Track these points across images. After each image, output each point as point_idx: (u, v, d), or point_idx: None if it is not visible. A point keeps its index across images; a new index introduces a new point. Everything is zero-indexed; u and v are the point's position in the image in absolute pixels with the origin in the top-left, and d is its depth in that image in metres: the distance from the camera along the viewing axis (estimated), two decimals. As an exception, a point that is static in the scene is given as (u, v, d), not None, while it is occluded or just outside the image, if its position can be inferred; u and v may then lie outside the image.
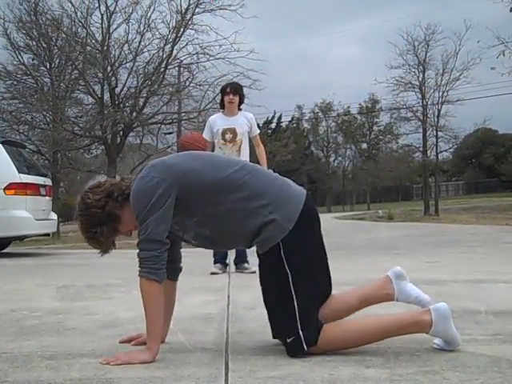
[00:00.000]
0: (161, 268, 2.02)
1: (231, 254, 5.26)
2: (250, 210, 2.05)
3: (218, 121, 5.28)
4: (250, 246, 2.17)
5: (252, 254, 5.05)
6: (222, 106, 5.38)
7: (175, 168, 2.07)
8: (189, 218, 2.09)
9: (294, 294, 2.02)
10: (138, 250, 2.04)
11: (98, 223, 2.10)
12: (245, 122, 5.25)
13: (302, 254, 2.06)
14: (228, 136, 5.18)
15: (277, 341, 2.19)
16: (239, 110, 5.35)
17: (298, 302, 2.02)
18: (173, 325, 2.38)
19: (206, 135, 5.28)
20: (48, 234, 9.57)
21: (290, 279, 2.03)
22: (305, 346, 2.00)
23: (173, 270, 2.25)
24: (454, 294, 3.33)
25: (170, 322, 2.33)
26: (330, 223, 22.62)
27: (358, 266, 5.40)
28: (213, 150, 5.27)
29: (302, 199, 2.12)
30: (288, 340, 2.02)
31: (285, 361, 1.97)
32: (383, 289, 2.25)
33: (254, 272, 4.76)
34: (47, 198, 8.68)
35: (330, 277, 2.19)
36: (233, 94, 5.23)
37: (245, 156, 5.14)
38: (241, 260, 5.12)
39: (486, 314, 2.75)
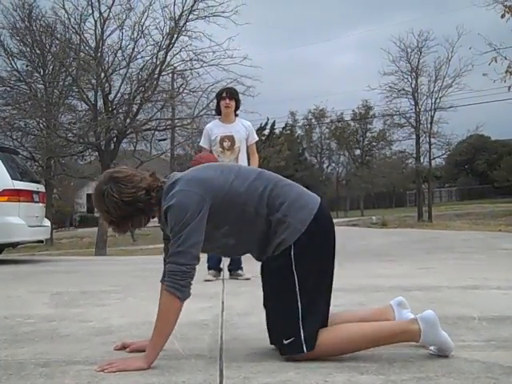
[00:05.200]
0: (187, 285, 2.02)
1: (225, 261, 5.26)
2: (269, 218, 2.08)
3: (215, 128, 5.20)
4: (264, 252, 2.16)
5: (246, 262, 5.05)
6: (219, 112, 5.29)
7: (208, 182, 2.09)
8: (217, 229, 2.11)
9: (298, 295, 2.03)
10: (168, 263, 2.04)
11: (120, 216, 2.11)
12: (243, 129, 5.19)
13: (311, 259, 2.07)
14: (226, 144, 5.11)
15: (272, 347, 2.19)
16: (236, 115, 5.29)
17: (303, 302, 2.03)
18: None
19: (203, 144, 5.24)
20: (41, 241, 9.51)
21: (296, 281, 2.04)
22: (305, 348, 2.01)
23: None
24: (448, 300, 3.35)
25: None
26: (324, 229, 22.63)
27: (351, 273, 5.40)
28: None
29: (316, 205, 2.13)
30: (285, 341, 2.03)
31: (279, 367, 1.97)
32: (384, 314, 2.29)
33: (248, 279, 4.76)
34: (40, 204, 8.65)
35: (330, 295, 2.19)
36: (229, 98, 5.16)
37: (242, 163, 5.08)
38: (235, 267, 5.11)
39: (480, 320, 2.76)
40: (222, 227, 2.11)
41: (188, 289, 2.03)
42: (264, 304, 2.17)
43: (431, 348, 2.10)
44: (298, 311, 2.03)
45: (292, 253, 2.05)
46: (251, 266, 5.23)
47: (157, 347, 2.01)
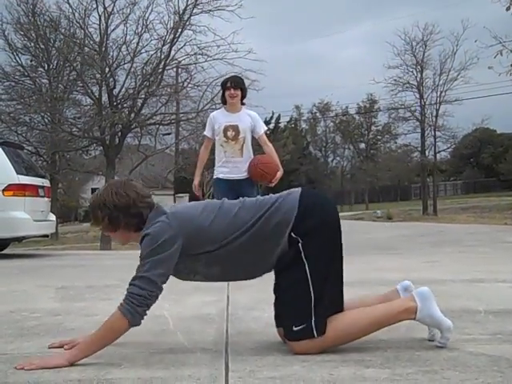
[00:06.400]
0: (141, 313, 2.01)
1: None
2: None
3: (219, 117, 5.09)
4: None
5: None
6: (224, 101, 5.16)
7: (188, 221, 2.12)
8: (196, 261, 2.13)
9: (310, 284, 2.05)
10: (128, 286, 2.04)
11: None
12: (248, 119, 5.04)
13: (319, 248, 2.10)
14: (230, 133, 4.98)
15: (277, 340, 2.19)
16: (242, 104, 5.15)
17: (315, 291, 2.05)
18: (172, 325, 2.39)
19: (207, 132, 5.15)
20: (47, 235, 9.55)
21: (307, 269, 2.06)
22: (315, 333, 2.02)
23: None
24: (454, 294, 3.34)
25: None
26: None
27: (356, 266, 5.40)
28: (214, 148, 5.19)
29: (298, 194, 2.16)
30: (295, 328, 2.04)
31: (285, 361, 1.97)
32: (389, 299, 2.28)
33: None
34: (46, 199, 8.67)
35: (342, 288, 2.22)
36: (234, 88, 5.02)
37: (247, 154, 4.99)
38: None
39: (486, 314, 2.75)
40: (200, 260, 2.12)
41: (141, 317, 2.02)
42: (274, 291, 2.17)
43: (436, 340, 2.10)
44: (310, 299, 2.04)
45: (300, 244, 2.07)
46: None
47: (86, 353, 2.00)
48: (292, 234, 2.08)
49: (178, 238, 2.06)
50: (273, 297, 2.18)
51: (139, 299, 2.00)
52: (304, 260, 2.06)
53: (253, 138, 5.17)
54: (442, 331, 2.08)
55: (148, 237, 2.07)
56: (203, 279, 2.25)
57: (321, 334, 2.03)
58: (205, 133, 5.21)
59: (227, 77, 5.67)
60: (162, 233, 2.06)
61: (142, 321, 2.05)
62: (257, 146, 5.24)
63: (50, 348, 2.24)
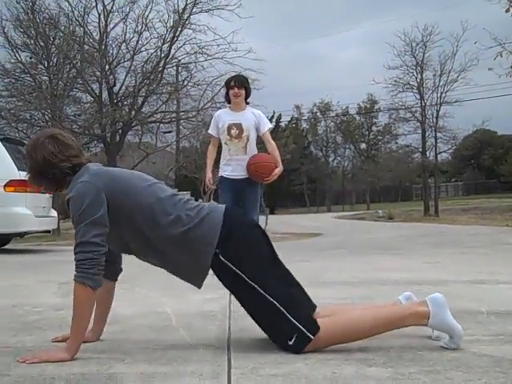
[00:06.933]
0: (97, 273, 1.99)
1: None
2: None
3: (224, 116, 5.12)
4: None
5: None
6: (229, 100, 5.17)
7: (108, 177, 2.10)
8: (123, 232, 2.10)
9: (267, 295, 2.02)
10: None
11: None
12: (252, 117, 5.05)
13: (243, 253, 2.08)
14: (234, 131, 5.00)
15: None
16: (247, 103, 5.16)
17: (278, 300, 2.02)
18: (175, 322, 2.39)
19: (211, 131, 5.17)
20: (48, 231, 9.56)
21: (250, 281, 2.03)
22: (311, 336, 2.01)
23: (113, 269, 2.29)
24: (456, 295, 3.33)
25: (105, 322, 2.33)
26: (330, 222, 22.66)
27: (357, 266, 5.40)
28: (219, 146, 5.21)
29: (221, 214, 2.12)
30: (290, 342, 2.02)
31: (287, 358, 1.97)
32: None
33: None
34: (47, 195, 8.67)
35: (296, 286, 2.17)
36: (238, 87, 5.03)
37: (251, 152, 5.00)
38: None
39: (488, 315, 2.75)
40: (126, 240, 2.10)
41: (99, 277, 2.00)
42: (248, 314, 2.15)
43: (443, 341, 2.09)
44: (279, 310, 2.02)
45: (223, 259, 2.06)
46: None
47: (77, 338, 2.00)
48: (216, 250, 2.06)
49: (101, 196, 2.02)
50: None
51: (88, 262, 1.97)
52: (239, 272, 2.04)
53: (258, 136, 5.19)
54: (453, 337, 2.06)
55: (72, 200, 2.04)
56: (137, 256, 2.21)
57: (315, 332, 2.01)
58: (209, 131, 5.23)
59: (231, 76, 5.64)
60: (84, 195, 2.02)
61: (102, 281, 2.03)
62: (261, 144, 5.25)
63: (53, 342, 2.25)
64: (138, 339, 2.30)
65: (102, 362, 1.94)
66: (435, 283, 3.94)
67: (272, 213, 20.55)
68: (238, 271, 2.04)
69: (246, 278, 2.04)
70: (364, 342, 2.12)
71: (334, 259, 6.46)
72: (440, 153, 26.62)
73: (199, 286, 2.19)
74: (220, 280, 2.13)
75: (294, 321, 2.01)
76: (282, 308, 2.02)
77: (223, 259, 2.06)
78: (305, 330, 2.01)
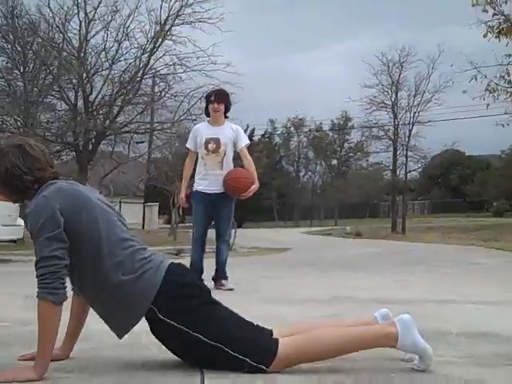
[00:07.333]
0: (58, 287, 1.93)
1: (210, 270, 5.13)
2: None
3: (202, 130, 5.10)
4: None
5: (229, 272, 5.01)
6: (208, 114, 5.16)
7: (75, 196, 2.06)
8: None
9: (211, 341, 1.99)
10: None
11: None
12: (230, 132, 5.04)
13: (179, 306, 2.04)
14: (211, 146, 4.97)
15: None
16: (226, 117, 5.16)
17: (222, 342, 1.99)
18: (145, 340, 2.34)
19: (189, 145, 5.14)
20: (14, 241, 9.34)
21: (191, 332, 1.99)
22: (263, 367, 1.97)
23: None
24: (425, 315, 3.37)
25: (76, 339, 2.28)
26: (298, 238, 22.72)
27: (328, 284, 5.43)
28: (196, 161, 5.17)
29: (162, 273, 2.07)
30: (247, 370, 1.98)
31: (246, 378, 1.94)
32: (367, 325, 2.23)
33: (231, 289, 4.67)
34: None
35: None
36: (217, 102, 5.02)
37: (227, 167, 4.98)
38: (219, 276, 4.98)
39: (458, 336, 2.78)
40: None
41: (61, 291, 1.94)
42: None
43: (413, 363, 2.10)
44: (227, 352, 1.98)
45: (160, 315, 2.02)
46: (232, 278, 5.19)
47: (44, 356, 1.95)
48: (153, 307, 2.02)
49: (56, 214, 1.97)
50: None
51: (49, 276, 1.92)
52: (180, 326, 2.00)
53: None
54: (422, 358, 2.05)
55: (29, 216, 2.00)
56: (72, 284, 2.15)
57: (267, 365, 1.96)
58: (187, 145, 5.20)
59: (212, 90, 5.65)
60: (40, 211, 1.97)
61: (68, 294, 1.99)
62: (237, 160, 5.26)
63: (19, 360, 2.17)
64: (109, 357, 2.25)
65: (71, 382, 1.90)
66: (404, 302, 3.98)
67: (240, 226, 20.55)
68: (177, 325, 2.00)
69: (187, 329, 2.00)
70: (335, 364, 2.10)
71: (304, 276, 6.48)
72: (410, 171, 27.11)
73: (120, 337, 2.15)
74: (158, 338, 2.10)
75: (243, 356, 1.97)
76: (227, 349, 1.98)
77: (160, 316, 2.02)
78: (255, 365, 1.97)
